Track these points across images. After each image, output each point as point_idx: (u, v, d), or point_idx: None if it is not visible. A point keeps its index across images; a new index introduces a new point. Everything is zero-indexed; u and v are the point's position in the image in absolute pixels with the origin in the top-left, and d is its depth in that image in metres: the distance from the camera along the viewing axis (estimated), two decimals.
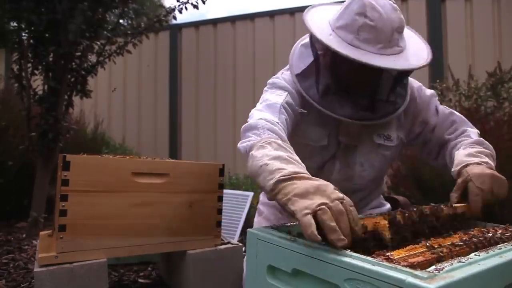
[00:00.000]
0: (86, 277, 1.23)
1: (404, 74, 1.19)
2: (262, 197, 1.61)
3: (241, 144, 1.05)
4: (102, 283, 1.27)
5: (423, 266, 0.66)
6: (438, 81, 2.98)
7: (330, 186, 0.80)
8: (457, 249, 0.77)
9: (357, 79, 1.17)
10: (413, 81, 1.35)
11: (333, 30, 1.14)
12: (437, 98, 1.36)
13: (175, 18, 3.20)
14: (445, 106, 1.35)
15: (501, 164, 1.98)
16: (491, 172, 1.05)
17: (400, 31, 1.12)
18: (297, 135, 1.25)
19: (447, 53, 3.68)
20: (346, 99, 1.21)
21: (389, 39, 1.08)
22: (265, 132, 1.02)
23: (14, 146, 2.90)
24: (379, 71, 1.12)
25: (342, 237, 0.71)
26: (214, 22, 4.69)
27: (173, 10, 3.12)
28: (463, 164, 1.09)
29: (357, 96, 1.22)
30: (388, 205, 1.48)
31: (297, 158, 0.94)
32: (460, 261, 0.65)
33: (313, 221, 0.72)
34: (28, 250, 2.28)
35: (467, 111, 2.39)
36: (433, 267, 0.62)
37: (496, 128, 2.10)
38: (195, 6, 3.09)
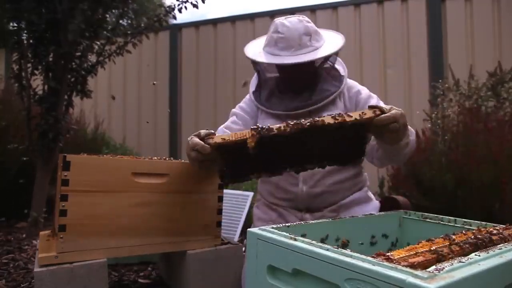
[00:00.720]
0: (86, 277, 1.23)
1: (310, 65, 1.39)
2: (257, 200, 1.63)
3: None
4: (102, 283, 1.27)
5: (423, 266, 0.66)
6: (440, 80, 2.97)
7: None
8: (457, 249, 0.77)
9: (286, 76, 1.46)
10: (360, 86, 1.52)
11: (262, 49, 1.46)
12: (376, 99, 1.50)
13: (175, 17, 3.18)
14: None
15: (503, 165, 1.98)
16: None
17: (307, 34, 1.37)
18: None
19: (447, 53, 3.68)
20: (288, 97, 1.46)
21: (299, 42, 1.36)
22: None
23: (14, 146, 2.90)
24: (298, 65, 1.34)
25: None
26: (214, 22, 4.68)
27: (173, 9, 3.11)
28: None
29: (297, 91, 1.45)
30: (375, 203, 1.49)
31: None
32: (460, 261, 0.65)
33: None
34: (28, 250, 2.28)
35: (468, 111, 2.39)
36: (433, 267, 0.62)
37: (498, 128, 2.09)
38: (195, 6, 3.07)
